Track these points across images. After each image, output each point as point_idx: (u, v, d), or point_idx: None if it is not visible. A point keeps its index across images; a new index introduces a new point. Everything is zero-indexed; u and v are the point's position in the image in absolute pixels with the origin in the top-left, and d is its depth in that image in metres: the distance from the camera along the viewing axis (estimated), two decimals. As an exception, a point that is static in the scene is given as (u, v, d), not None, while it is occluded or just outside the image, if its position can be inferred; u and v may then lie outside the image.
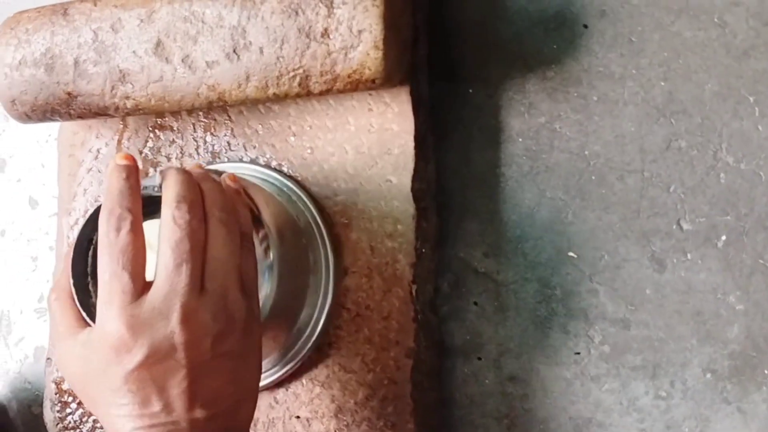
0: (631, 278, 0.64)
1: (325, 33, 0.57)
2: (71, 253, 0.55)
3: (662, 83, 0.64)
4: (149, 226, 0.54)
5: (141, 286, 0.50)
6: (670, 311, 0.63)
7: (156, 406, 0.50)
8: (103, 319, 0.50)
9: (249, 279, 0.54)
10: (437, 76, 0.69)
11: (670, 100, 0.64)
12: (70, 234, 0.72)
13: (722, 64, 0.63)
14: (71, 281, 0.55)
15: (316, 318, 0.65)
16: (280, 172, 0.67)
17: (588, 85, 0.66)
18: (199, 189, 0.53)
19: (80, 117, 0.65)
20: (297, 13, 0.57)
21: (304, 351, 0.65)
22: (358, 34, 0.56)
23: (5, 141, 0.85)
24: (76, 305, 0.54)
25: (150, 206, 0.54)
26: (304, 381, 0.66)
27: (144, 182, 0.55)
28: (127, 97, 0.62)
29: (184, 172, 0.54)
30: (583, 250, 0.65)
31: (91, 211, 0.56)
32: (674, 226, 0.63)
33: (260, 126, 0.68)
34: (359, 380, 0.65)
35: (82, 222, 0.58)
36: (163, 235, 0.51)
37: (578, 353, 0.65)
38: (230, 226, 0.53)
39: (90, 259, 0.56)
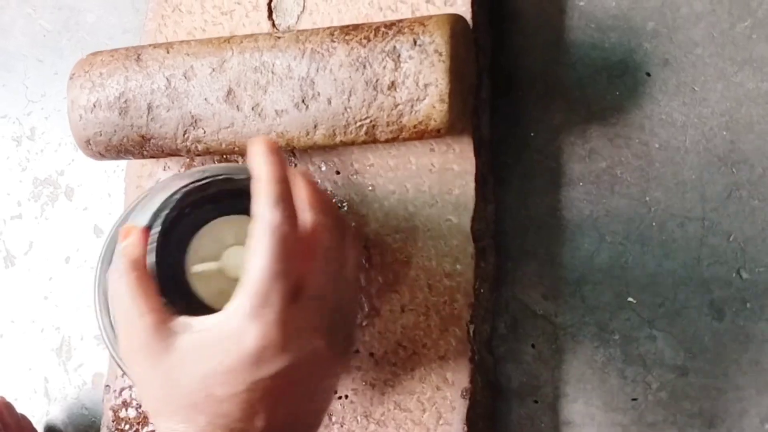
0: (690, 325, 0.64)
1: (392, 86, 0.58)
2: (147, 231, 0.51)
3: (724, 133, 0.64)
4: (230, 223, 0.51)
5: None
6: (729, 360, 0.63)
7: (259, 422, 0.46)
8: (247, 317, 0.45)
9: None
10: (499, 118, 0.69)
11: (732, 150, 0.64)
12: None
13: (785, 116, 0.63)
14: (151, 261, 0.51)
15: None
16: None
17: (650, 132, 0.66)
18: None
19: (152, 156, 0.67)
20: (365, 66, 0.58)
21: None
22: (425, 87, 0.57)
23: (74, 171, 0.87)
24: (155, 287, 0.50)
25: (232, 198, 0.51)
26: (359, 418, 0.67)
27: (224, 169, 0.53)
28: (199, 141, 0.64)
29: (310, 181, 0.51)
30: (643, 295, 0.66)
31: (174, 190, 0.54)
32: (734, 275, 0.64)
33: (323, 163, 0.69)
34: (414, 419, 0.66)
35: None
36: (323, 244, 0.48)
37: (635, 399, 0.65)
38: (358, 245, 0.52)
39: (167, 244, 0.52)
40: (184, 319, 0.48)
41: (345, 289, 0.51)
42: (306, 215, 0.50)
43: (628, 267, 0.66)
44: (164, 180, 0.62)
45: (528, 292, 0.69)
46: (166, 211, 0.53)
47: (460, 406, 0.64)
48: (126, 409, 0.72)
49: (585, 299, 0.67)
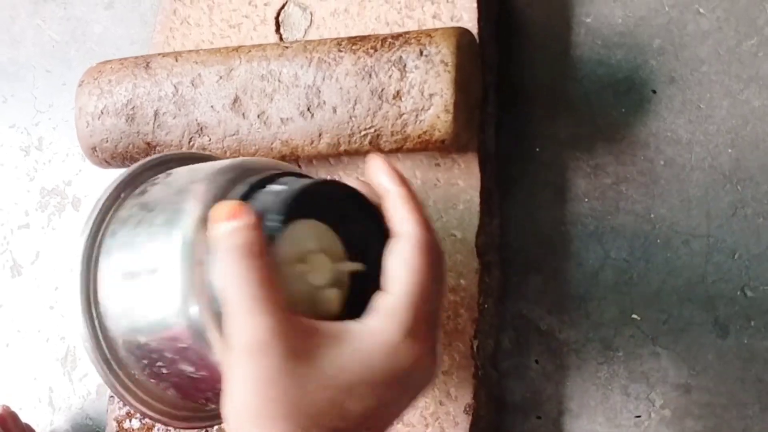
0: (694, 343, 0.64)
1: (398, 95, 0.58)
2: (251, 209, 0.45)
3: (730, 150, 0.64)
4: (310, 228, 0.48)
5: None
6: (733, 378, 0.63)
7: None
8: (410, 336, 0.43)
9: None
10: (505, 133, 0.70)
11: (738, 167, 0.64)
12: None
13: (792, 134, 0.63)
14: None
15: None
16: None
17: (655, 149, 0.66)
18: None
19: (157, 165, 0.68)
20: (371, 75, 0.59)
21: None
22: (430, 97, 0.58)
23: (81, 181, 0.88)
24: (278, 281, 0.44)
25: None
26: None
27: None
28: (204, 149, 0.64)
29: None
30: (647, 312, 0.65)
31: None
32: (738, 293, 0.63)
33: (328, 177, 0.69)
34: (417, 434, 0.65)
35: None
36: (427, 259, 0.45)
37: (639, 416, 0.65)
38: None
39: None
40: (316, 323, 0.44)
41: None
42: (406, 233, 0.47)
43: (633, 283, 0.66)
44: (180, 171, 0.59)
45: (532, 307, 0.69)
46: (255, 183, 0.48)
47: (463, 422, 0.64)
48: (130, 420, 0.72)
49: (589, 315, 0.67)
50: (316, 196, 0.48)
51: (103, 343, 0.52)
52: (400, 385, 0.44)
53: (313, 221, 0.48)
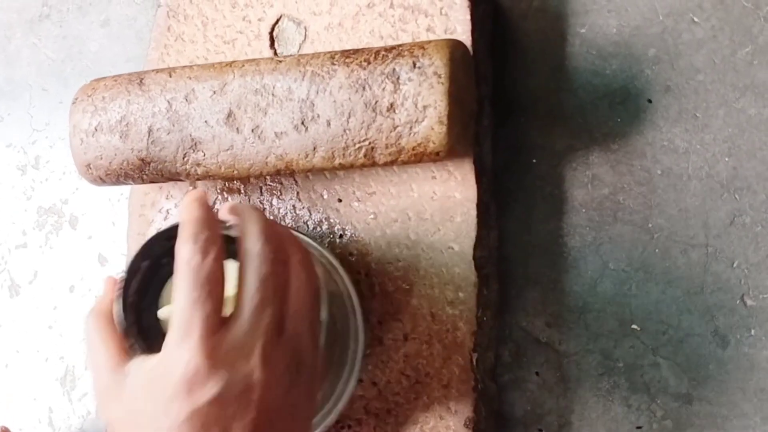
0: (694, 353, 0.64)
1: (391, 107, 0.58)
2: (117, 280, 0.53)
3: (726, 159, 0.64)
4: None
5: (221, 320, 0.47)
6: (733, 388, 0.63)
7: None
8: (175, 348, 0.47)
9: (318, 330, 0.52)
10: (501, 145, 0.69)
11: (735, 176, 0.64)
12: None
13: (788, 141, 0.63)
14: (118, 308, 0.52)
15: (338, 394, 0.64)
16: (315, 239, 0.67)
17: (652, 158, 0.66)
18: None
19: (152, 181, 0.67)
20: (364, 88, 0.58)
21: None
22: (423, 109, 0.57)
23: (78, 199, 0.88)
24: (117, 333, 0.52)
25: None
26: (362, 446, 0.66)
27: None
28: (198, 164, 0.64)
29: (261, 212, 0.52)
30: (647, 323, 0.65)
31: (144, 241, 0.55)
32: (738, 302, 0.63)
33: (325, 191, 0.69)
34: (418, 448, 0.65)
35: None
36: (250, 270, 0.48)
37: (640, 427, 0.64)
38: (309, 271, 0.51)
39: (134, 291, 0.54)
40: (138, 359, 0.50)
41: (295, 313, 0.50)
42: (251, 245, 0.50)
43: (632, 294, 0.66)
44: None
45: (531, 319, 0.68)
46: (133, 259, 0.55)
47: (463, 436, 0.64)
48: None
49: (589, 327, 0.67)
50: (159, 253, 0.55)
51: None
52: (190, 395, 0.46)
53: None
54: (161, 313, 0.57)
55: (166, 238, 0.54)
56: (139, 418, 0.47)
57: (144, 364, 0.49)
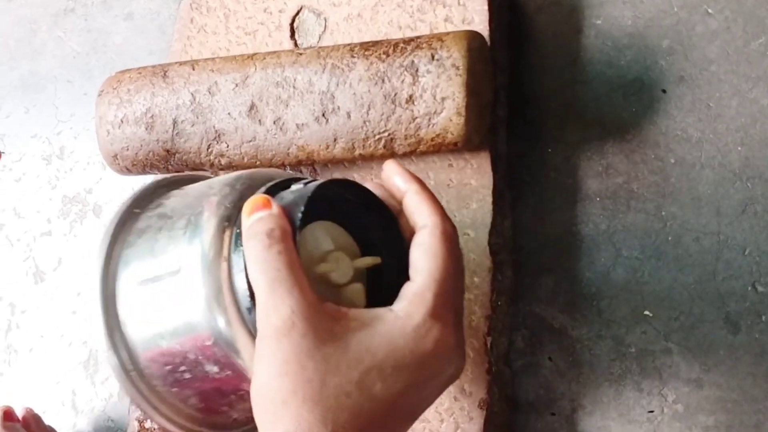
0: (706, 339, 0.65)
1: (410, 99, 0.59)
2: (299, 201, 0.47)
3: (739, 148, 0.65)
4: (324, 228, 0.50)
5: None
6: (744, 373, 0.64)
7: (396, 422, 0.46)
8: (433, 318, 0.45)
9: None
10: (517, 136, 0.71)
11: (747, 165, 0.65)
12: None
13: (799, 131, 0.64)
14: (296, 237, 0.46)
15: None
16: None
17: (665, 147, 0.67)
18: None
19: (177, 171, 0.69)
20: (383, 80, 0.60)
21: None
22: (442, 101, 0.59)
23: (102, 189, 0.89)
24: (302, 265, 0.46)
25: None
26: (379, 428, 0.68)
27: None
28: (222, 155, 0.66)
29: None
30: (659, 309, 0.66)
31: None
32: (749, 289, 0.64)
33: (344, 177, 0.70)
34: (432, 429, 0.66)
35: None
36: (447, 245, 0.47)
37: (651, 411, 0.66)
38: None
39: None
40: (343, 308, 0.46)
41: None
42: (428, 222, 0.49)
43: (644, 281, 0.67)
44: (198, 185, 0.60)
45: (545, 306, 0.70)
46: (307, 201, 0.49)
47: (477, 417, 0.65)
48: (151, 420, 0.73)
49: (601, 313, 0.68)
50: (327, 196, 0.49)
51: (125, 354, 0.53)
52: (425, 369, 0.45)
53: (327, 222, 0.49)
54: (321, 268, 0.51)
55: (344, 187, 0.51)
56: (342, 368, 0.43)
57: (364, 316, 0.45)
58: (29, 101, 0.96)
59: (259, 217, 0.46)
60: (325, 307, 0.45)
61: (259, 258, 0.45)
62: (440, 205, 0.49)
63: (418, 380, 0.45)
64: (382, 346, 0.44)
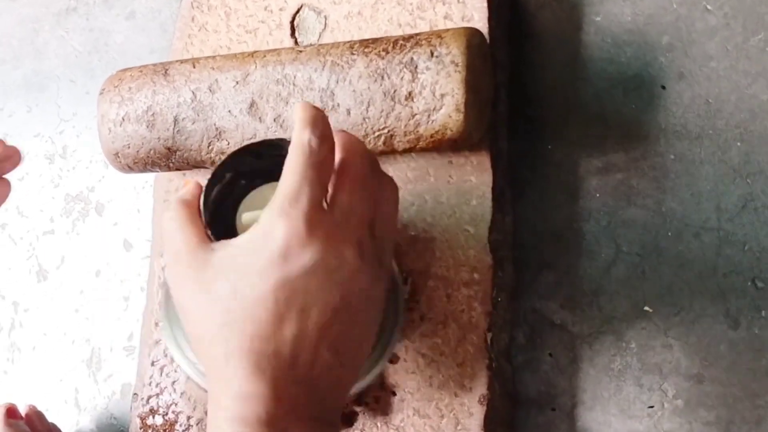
0: (706, 334, 0.65)
1: (409, 96, 0.60)
2: (205, 181, 0.54)
3: (739, 144, 0.65)
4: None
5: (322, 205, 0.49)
6: (744, 368, 0.64)
7: (289, 329, 0.47)
8: (278, 216, 0.47)
9: (393, 244, 0.54)
10: (517, 132, 0.71)
11: (747, 161, 0.65)
12: (161, 275, 0.76)
13: (799, 127, 0.64)
14: (202, 200, 0.53)
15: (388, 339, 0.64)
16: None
17: (665, 143, 0.67)
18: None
19: (178, 169, 0.69)
20: (383, 77, 0.60)
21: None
22: (441, 97, 0.59)
23: (104, 187, 0.90)
24: (202, 222, 0.52)
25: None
26: (378, 423, 0.68)
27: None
28: (223, 153, 0.66)
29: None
30: (659, 305, 0.67)
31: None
32: (749, 284, 0.64)
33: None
34: (433, 425, 0.66)
35: None
36: (355, 162, 0.51)
37: (652, 407, 0.66)
38: (395, 187, 0.54)
39: (212, 199, 0.54)
40: (223, 241, 0.50)
41: (382, 219, 0.52)
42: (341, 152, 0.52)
43: (645, 277, 0.67)
44: None
45: (546, 302, 0.70)
46: (217, 168, 0.55)
47: (478, 413, 0.65)
48: (153, 417, 0.73)
49: (602, 309, 0.68)
50: (252, 160, 0.55)
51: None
52: (284, 261, 0.47)
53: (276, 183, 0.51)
54: (246, 217, 0.56)
55: (254, 155, 0.55)
56: (221, 290, 0.48)
57: (233, 241, 0.49)
58: (32, 100, 0.96)
59: (182, 192, 0.54)
60: (211, 244, 0.50)
61: (164, 228, 0.52)
62: (309, 115, 0.50)
63: (284, 275, 0.47)
64: (244, 259, 0.48)
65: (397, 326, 0.64)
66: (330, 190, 0.50)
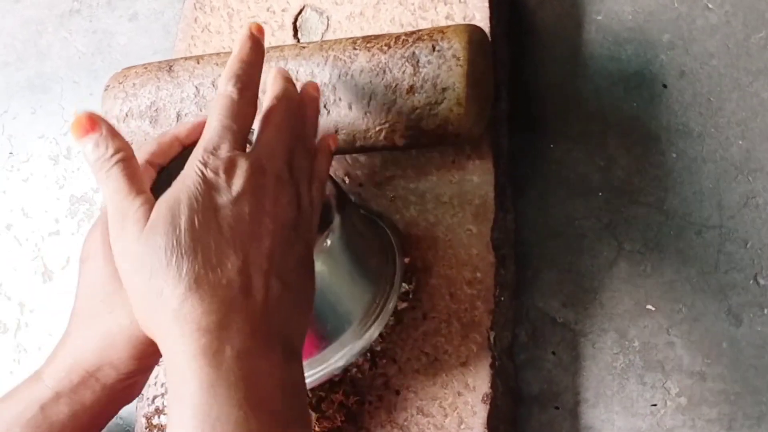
0: (708, 332, 0.65)
1: (411, 90, 0.60)
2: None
3: (740, 142, 0.65)
4: None
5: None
6: (746, 365, 0.64)
7: (235, 258, 0.48)
8: (202, 156, 0.49)
9: (314, 190, 0.56)
10: (518, 130, 0.71)
11: (748, 158, 0.65)
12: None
13: (800, 123, 0.64)
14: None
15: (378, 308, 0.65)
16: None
17: (667, 141, 0.67)
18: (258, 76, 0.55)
19: (180, 165, 0.70)
20: (384, 71, 0.60)
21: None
22: (442, 91, 0.59)
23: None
24: (140, 173, 0.52)
25: None
26: (383, 423, 0.68)
27: None
28: (224, 148, 0.66)
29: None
30: (661, 302, 0.66)
31: None
32: (751, 282, 0.64)
33: (346, 176, 0.71)
34: (436, 424, 0.66)
35: None
36: (281, 105, 0.54)
37: (654, 404, 0.66)
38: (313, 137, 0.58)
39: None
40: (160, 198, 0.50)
41: (301, 155, 0.54)
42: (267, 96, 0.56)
43: (647, 274, 0.67)
44: None
45: (548, 300, 0.70)
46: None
47: (481, 411, 0.65)
48: (158, 416, 0.74)
49: (604, 307, 0.68)
50: None
51: None
52: (211, 197, 0.48)
53: None
54: None
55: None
56: (165, 233, 0.48)
57: (164, 195, 0.50)
58: (36, 102, 0.97)
59: (92, 143, 0.52)
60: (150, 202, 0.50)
61: (102, 181, 0.52)
62: (233, 68, 0.53)
63: (220, 207, 0.48)
64: (178, 204, 0.48)
65: (393, 292, 0.65)
66: (257, 129, 0.53)
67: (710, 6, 0.67)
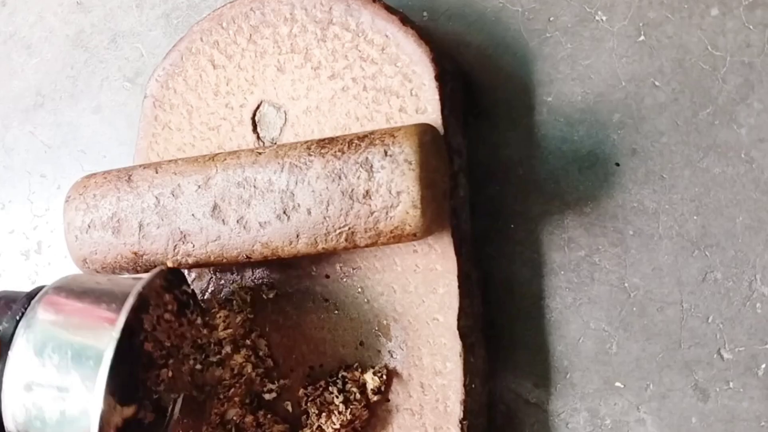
0: (677, 407, 0.66)
1: (367, 194, 0.61)
2: None
3: (695, 217, 0.66)
4: None
5: None
6: (717, 440, 0.65)
7: None
8: None
9: None
10: (480, 212, 0.72)
11: (704, 234, 0.66)
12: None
13: (752, 199, 0.65)
14: None
15: None
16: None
17: (623, 219, 0.68)
18: None
19: (146, 272, 0.70)
20: (340, 177, 0.61)
21: None
22: (397, 194, 0.60)
23: (80, 282, 0.90)
24: None
25: None
26: None
27: None
28: (189, 255, 0.67)
29: None
30: (629, 380, 0.67)
31: None
32: (715, 356, 0.65)
33: (313, 267, 0.72)
34: None
35: None
36: None
37: (628, 482, 0.66)
38: None
39: None
40: None
41: None
42: None
43: (613, 352, 0.68)
44: None
45: (520, 381, 0.71)
46: None
47: (462, 502, 0.66)
48: None
49: (575, 386, 0.69)
50: None
51: None
52: None
53: None
54: None
55: None
56: None
57: None
58: (5, 197, 0.97)
59: None
60: None
61: None
62: None
63: None
64: None
65: None
66: None
67: (657, 84, 0.68)
